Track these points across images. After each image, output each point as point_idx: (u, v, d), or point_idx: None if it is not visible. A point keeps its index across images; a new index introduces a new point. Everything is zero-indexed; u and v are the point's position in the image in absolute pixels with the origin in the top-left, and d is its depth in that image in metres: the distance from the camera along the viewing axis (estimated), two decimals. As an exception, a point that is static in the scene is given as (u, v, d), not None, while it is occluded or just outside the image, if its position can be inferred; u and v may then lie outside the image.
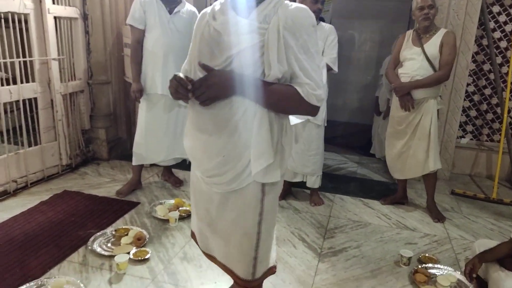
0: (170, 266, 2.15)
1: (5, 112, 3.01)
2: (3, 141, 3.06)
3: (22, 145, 3.17)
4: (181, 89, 1.24)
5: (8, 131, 3.02)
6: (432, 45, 2.68)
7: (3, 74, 2.97)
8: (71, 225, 2.54)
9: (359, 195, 3.30)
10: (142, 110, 2.96)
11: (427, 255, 2.40)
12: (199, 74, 1.29)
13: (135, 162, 3.06)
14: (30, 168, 3.13)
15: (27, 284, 1.88)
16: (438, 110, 2.81)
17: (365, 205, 3.12)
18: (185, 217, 2.70)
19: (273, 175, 1.30)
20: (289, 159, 1.39)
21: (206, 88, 1.21)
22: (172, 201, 2.91)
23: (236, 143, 1.26)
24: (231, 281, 2.02)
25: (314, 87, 1.22)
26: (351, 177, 3.79)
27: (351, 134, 5.59)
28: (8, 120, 3.07)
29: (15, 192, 2.98)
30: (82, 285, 1.92)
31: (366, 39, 6.05)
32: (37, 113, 3.22)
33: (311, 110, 1.26)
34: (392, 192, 3.28)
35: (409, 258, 2.29)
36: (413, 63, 2.71)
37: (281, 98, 1.23)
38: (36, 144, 3.26)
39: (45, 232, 2.43)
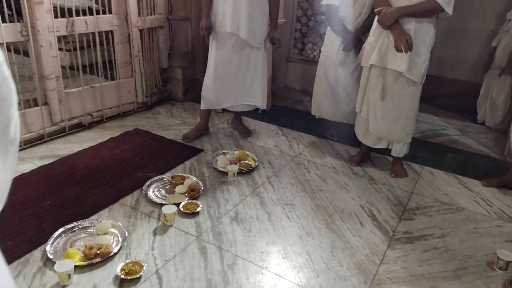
0: (218, 225, 1.99)
1: (87, 47, 3.02)
2: (92, 73, 3.11)
3: (106, 77, 3.20)
4: None
5: (84, 66, 3.04)
6: None
7: (93, 3, 2.94)
8: (132, 165, 2.52)
9: (455, 170, 2.73)
10: (212, 50, 2.73)
11: (535, 261, 1.86)
12: None
13: (203, 106, 2.89)
14: (106, 103, 3.17)
15: (74, 223, 1.88)
16: None
17: (461, 184, 2.57)
18: (245, 172, 2.49)
19: None
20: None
21: None
22: (236, 153, 2.71)
23: None
24: (279, 253, 1.79)
25: None
26: (449, 147, 3.17)
27: (459, 94, 4.72)
28: (85, 54, 3.10)
29: (90, 125, 3.06)
30: (126, 232, 1.86)
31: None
32: (114, 47, 3.19)
33: None
34: (501, 172, 2.64)
35: (508, 262, 1.80)
36: None
37: None
38: (113, 79, 3.27)
39: (107, 170, 2.44)
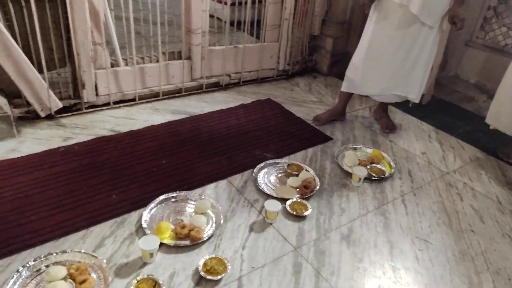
0: (324, 240, 1.65)
1: (238, 3, 2.87)
2: (240, 29, 3.00)
3: (252, 35, 3.04)
4: None
5: (233, 22, 2.91)
6: None
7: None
8: (254, 139, 2.33)
9: None
10: (370, 22, 2.25)
11: None
12: None
13: (344, 87, 2.48)
14: (246, 66, 3.03)
15: (177, 193, 1.79)
16: None
17: None
18: (375, 179, 2.04)
19: None
20: None
21: None
22: (369, 151, 2.27)
23: None
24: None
25: None
26: None
27: None
28: (235, 11, 2.95)
29: (226, 87, 2.97)
30: (222, 219, 1.69)
31: None
32: (265, 6, 2.96)
33: None
34: None
35: None
36: None
37: None
38: (258, 40, 3.08)
39: (228, 139, 2.30)
